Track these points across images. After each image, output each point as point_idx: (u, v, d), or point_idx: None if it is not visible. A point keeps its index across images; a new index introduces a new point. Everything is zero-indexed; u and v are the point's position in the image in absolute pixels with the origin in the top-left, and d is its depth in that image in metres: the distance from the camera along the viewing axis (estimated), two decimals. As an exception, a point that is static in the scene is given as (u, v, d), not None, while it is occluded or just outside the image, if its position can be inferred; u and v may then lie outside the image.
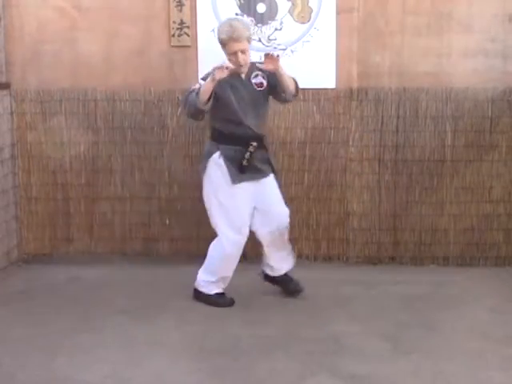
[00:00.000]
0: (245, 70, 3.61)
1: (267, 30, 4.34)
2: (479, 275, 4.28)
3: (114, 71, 4.41)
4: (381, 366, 2.98)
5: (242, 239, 3.69)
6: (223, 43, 3.56)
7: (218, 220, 3.69)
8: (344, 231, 4.52)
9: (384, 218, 4.46)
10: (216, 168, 3.63)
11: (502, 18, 4.28)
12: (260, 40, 4.35)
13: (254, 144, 3.59)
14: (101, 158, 4.48)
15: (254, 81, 3.65)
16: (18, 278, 4.25)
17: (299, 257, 4.53)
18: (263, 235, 3.76)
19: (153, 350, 3.16)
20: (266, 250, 3.82)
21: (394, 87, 4.36)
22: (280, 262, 3.85)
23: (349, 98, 4.38)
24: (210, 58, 4.34)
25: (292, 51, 4.36)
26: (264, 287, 4.03)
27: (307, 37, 4.34)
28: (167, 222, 4.53)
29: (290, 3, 4.32)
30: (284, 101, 3.75)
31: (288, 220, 3.76)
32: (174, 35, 4.35)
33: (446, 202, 4.43)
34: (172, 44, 4.37)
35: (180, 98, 3.66)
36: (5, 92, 4.37)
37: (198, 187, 4.48)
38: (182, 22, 4.33)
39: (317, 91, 4.39)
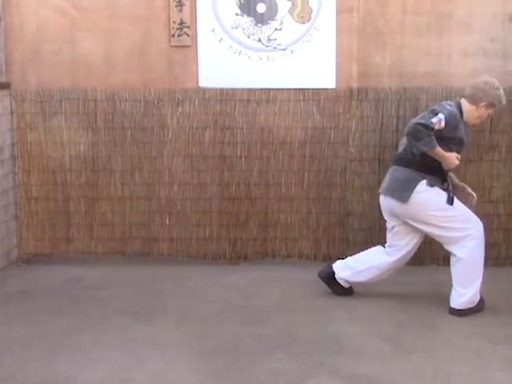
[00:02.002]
0: None
1: (267, 29, 4.34)
2: (479, 275, 4.27)
3: (114, 71, 4.41)
4: (381, 366, 2.98)
5: None
6: (490, 105, 3.60)
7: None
8: (344, 231, 4.52)
9: (384, 218, 4.45)
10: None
11: (501, 18, 4.29)
12: (260, 40, 4.35)
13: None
14: (101, 158, 4.48)
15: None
16: (17, 278, 4.25)
17: (299, 257, 4.55)
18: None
19: (153, 350, 3.16)
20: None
21: (394, 87, 4.36)
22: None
23: (349, 97, 4.38)
24: (210, 58, 4.38)
25: (292, 51, 4.36)
26: (264, 287, 4.03)
27: (307, 37, 4.34)
28: (167, 221, 4.53)
29: (289, 3, 4.32)
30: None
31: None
32: (174, 35, 4.35)
33: (446, 201, 4.42)
34: (172, 44, 4.37)
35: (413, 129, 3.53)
36: (5, 92, 4.37)
37: (198, 187, 4.51)
38: (181, 22, 4.33)
39: (317, 91, 4.39)
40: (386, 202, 3.76)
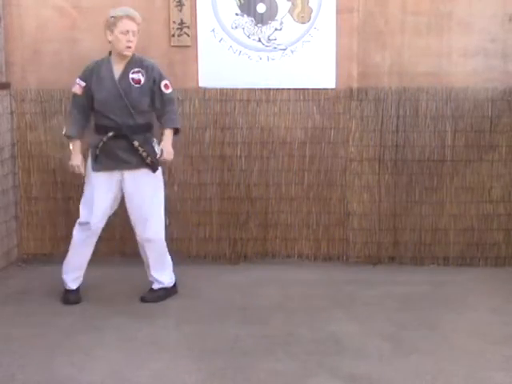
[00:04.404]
0: (129, 54, 3.67)
1: (267, 29, 4.34)
2: (479, 275, 4.28)
3: (114, 71, 4.40)
4: (381, 366, 2.98)
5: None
6: (116, 20, 3.62)
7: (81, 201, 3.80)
8: (344, 231, 4.52)
9: (384, 218, 4.46)
10: (90, 154, 3.74)
11: (502, 18, 4.29)
12: (260, 40, 4.35)
13: (109, 134, 3.65)
14: (101, 157, 4.47)
15: (132, 76, 3.69)
16: (17, 278, 4.25)
17: (299, 257, 4.55)
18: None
19: (153, 350, 3.16)
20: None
21: (394, 87, 4.36)
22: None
23: (349, 98, 4.38)
24: (210, 58, 4.37)
25: (292, 51, 4.36)
26: (264, 287, 4.03)
27: (307, 37, 4.34)
28: (167, 221, 4.52)
29: (289, 3, 4.32)
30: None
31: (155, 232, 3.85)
32: (174, 35, 4.35)
33: (446, 202, 4.43)
34: (172, 44, 4.37)
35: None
36: (5, 92, 4.37)
37: (198, 187, 4.51)
38: (182, 22, 4.33)
39: (317, 91, 4.39)
40: None
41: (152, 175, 3.76)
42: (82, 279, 3.85)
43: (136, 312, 3.64)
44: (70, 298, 3.77)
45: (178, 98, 4.38)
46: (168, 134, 3.76)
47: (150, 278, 3.87)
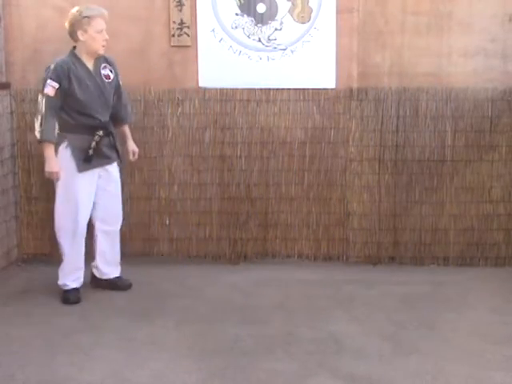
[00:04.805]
0: (103, 52, 3.71)
1: (267, 29, 4.34)
2: (479, 275, 4.28)
3: (114, 71, 4.41)
4: (381, 366, 2.98)
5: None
6: (90, 20, 3.61)
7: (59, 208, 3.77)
8: (344, 231, 4.52)
9: (384, 218, 4.46)
10: (63, 157, 3.67)
11: (501, 18, 4.28)
12: (260, 40, 4.35)
13: (100, 133, 3.69)
14: (101, 157, 4.48)
15: (103, 72, 3.74)
16: (18, 277, 4.25)
17: (299, 257, 4.55)
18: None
19: (153, 350, 3.16)
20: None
21: (394, 87, 4.36)
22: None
23: (349, 98, 4.38)
24: (210, 58, 4.38)
25: (292, 51, 4.36)
26: (264, 287, 4.03)
27: (307, 37, 4.34)
28: (167, 222, 4.53)
29: (289, 3, 4.32)
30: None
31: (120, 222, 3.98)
32: (174, 35, 4.35)
33: (446, 202, 4.43)
34: (172, 44, 4.37)
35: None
36: (5, 92, 4.37)
37: (198, 187, 4.51)
38: (182, 22, 4.33)
39: (317, 91, 4.39)
40: None
41: (117, 168, 3.93)
42: (82, 280, 3.85)
43: (136, 312, 3.64)
44: (70, 297, 3.77)
45: (178, 98, 4.40)
46: (128, 130, 4.00)
47: (105, 270, 3.95)
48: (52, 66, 3.62)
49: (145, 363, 3.02)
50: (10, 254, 4.46)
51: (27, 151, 4.48)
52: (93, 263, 3.96)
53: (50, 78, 3.59)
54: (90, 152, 3.67)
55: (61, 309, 3.69)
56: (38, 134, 3.62)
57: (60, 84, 3.59)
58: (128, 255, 4.51)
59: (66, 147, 3.66)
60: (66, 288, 3.80)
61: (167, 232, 4.55)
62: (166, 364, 3.01)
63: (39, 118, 3.59)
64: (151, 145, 4.46)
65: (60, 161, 3.66)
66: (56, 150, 3.66)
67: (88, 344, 3.22)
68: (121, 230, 4.03)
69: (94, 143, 3.68)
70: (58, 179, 3.71)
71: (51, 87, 3.57)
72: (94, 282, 3.99)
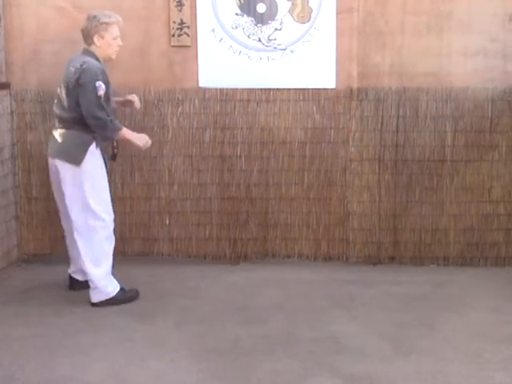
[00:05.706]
0: (114, 57, 3.78)
1: (267, 29, 4.34)
2: (479, 275, 4.28)
3: (114, 71, 4.37)
4: (381, 366, 2.98)
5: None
6: (108, 26, 3.64)
7: (96, 207, 3.68)
8: (344, 231, 4.52)
9: (384, 218, 4.47)
10: (96, 156, 3.68)
11: (502, 18, 4.28)
12: (260, 40, 4.35)
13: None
14: (101, 157, 4.47)
15: None
16: (18, 278, 4.25)
17: (299, 257, 4.55)
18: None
19: (153, 350, 3.16)
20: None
21: (394, 87, 4.36)
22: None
23: (349, 97, 4.38)
24: (210, 58, 4.38)
25: (292, 51, 4.36)
26: (264, 287, 4.03)
27: (307, 37, 4.34)
28: (167, 222, 4.53)
29: (289, 3, 4.32)
30: None
31: None
32: (174, 35, 4.35)
33: (446, 201, 4.43)
34: (172, 44, 4.37)
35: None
36: (5, 92, 4.37)
37: (198, 187, 4.51)
38: (182, 22, 4.33)
39: (317, 91, 4.39)
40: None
41: None
42: None
43: (136, 312, 3.64)
44: (131, 292, 3.81)
45: (178, 98, 4.41)
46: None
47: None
48: (93, 69, 3.56)
49: (145, 363, 3.02)
50: (10, 254, 4.46)
51: (27, 151, 4.49)
52: (75, 268, 3.90)
53: (100, 80, 3.57)
54: (115, 150, 3.81)
55: (61, 309, 3.68)
56: (112, 129, 3.61)
57: (105, 87, 3.60)
58: (128, 255, 4.53)
59: (96, 147, 3.66)
60: (120, 288, 3.77)
61: (167, 232, 4.55)
62: (166, 364, 3.01)
63: (99, 117, 3.53)
64: (151, 145, 4.44)
65: (94, 160, 3.66)
66: (86, 151, 3.63)
67: (88, 344, 3.22)
68: (118, 229, 4.02)
69: (115, 142, 3.81)
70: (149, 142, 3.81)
71: (102, 90, 3.56)
72: (78, 286, 3.92)
